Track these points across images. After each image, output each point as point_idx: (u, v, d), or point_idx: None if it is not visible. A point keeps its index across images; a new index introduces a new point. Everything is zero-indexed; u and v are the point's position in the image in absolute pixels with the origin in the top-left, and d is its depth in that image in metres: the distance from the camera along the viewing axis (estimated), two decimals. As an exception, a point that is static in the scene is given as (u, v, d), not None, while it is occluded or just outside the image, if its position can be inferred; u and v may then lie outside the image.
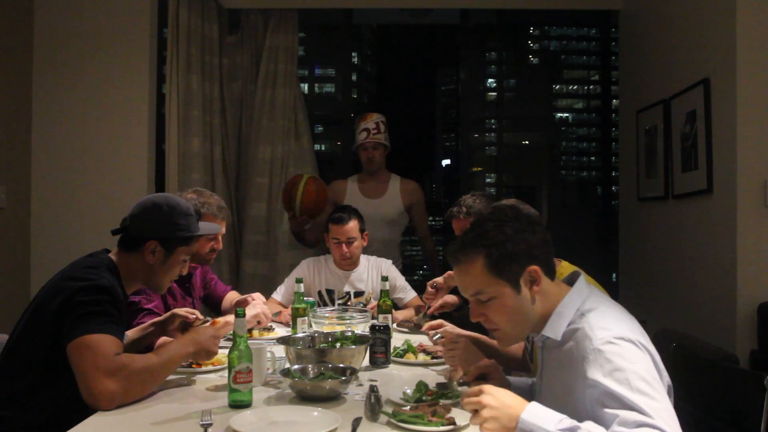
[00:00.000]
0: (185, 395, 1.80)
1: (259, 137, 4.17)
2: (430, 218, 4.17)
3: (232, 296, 2.89)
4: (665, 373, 1.40)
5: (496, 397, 1.34)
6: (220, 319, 2.47)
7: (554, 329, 1.46)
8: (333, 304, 3.16)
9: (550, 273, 1.50)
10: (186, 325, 2.08)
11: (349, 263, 3.18)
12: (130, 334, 2.11)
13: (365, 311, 2.74)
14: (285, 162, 4.20)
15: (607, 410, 1.27)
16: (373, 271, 3.24)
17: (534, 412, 1.30)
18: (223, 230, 2.62)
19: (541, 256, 1.48)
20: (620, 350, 1.31)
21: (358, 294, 3.20)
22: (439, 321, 2.44)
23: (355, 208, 3.25)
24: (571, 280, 1.55)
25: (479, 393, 1.35)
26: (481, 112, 4.98)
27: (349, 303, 3.15)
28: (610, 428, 1.25)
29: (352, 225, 3.09)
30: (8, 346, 1.82)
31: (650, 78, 3.83)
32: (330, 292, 3.21)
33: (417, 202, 3.85)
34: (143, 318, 2.26)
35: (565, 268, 2.00)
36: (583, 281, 1.53)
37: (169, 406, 1.69)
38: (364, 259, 3.27)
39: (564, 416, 1.29)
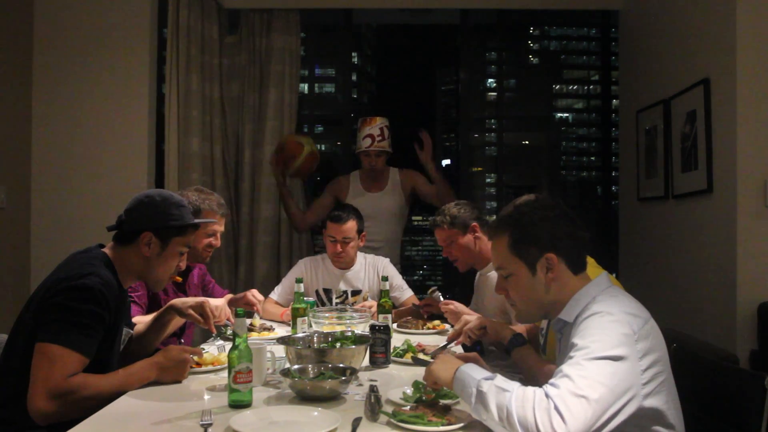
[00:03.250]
0: (185, 395, 1.80)
1: (266, 138, 4.17)
2: (427, 219, 4.17)
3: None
4: (654, 368, 1.41)
5: (446, 358, 1.59)
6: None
7: (569, 313, 1.55)
8: (331, 303, 3.16)
9: (575, 267, 1.58)
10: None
11: (342, 263, 3.17)
12: (141, 327, 2.10)
13: (364, 311, 2.74)
14: None
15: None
16: (371, 270, 3.24)
17: (472, 366, 1.47)
18: (222, 228, 2.62)
19: (565, 248, 1.56)
20: (601, 320, 1.40)
21: (356, 293, 3.19)
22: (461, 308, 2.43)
23: (356, 207, 3.25)
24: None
25: None
26: (481, 112, 4.97)
27: (346, 302, 3.15)
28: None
29: (350, 225, 3.08)
30: (7, 346, 1.82)
31: (650, 78, 3.83)
32: (327, 291, 3.21)
33: (419, 183, 3.89)
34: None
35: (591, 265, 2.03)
36: (606, 276, 1.63)
37: (169, 406, 1.69)
38: (361, 257, 3.25)
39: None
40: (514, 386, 1.34)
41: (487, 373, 1.43)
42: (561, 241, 1.56)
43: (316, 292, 3.20)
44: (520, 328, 2.26)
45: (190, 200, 2.48)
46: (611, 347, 1.34)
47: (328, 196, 3.94)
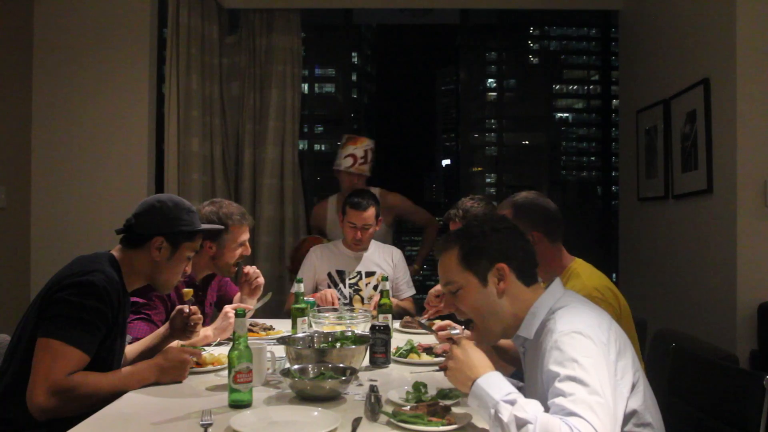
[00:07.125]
0: (185, 395, 1.80)
1: (268, 138, 4.17)
2: None
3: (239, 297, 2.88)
4: (629, 371, 1.42)
5: (466, 353, 1.46)
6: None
7: (528, 328, 1.53)
8: (344, 284, 3.22)
9: (526, 279, 1.56)
10: (185, 324, 2.08)
11: (359, 247, 3.23)
12: (147, 341, 2.09)
13: (366, 311, 2.75)
14: (294, 164, 4.20)
15: (549, 395, 1.33)
16: (385, 253, 3.31)
17: (490, 380, 1.39)
18: (248, 235, 2.59)
19: (516, 260, 1.55)
20: (574, 342, 1.36)
21: (369, 274, 3.25)
22: (447, 321, 2.46)
23: (372, 193, 3.27)
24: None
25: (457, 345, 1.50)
26: (481, 112, 4.97)
27: (359, 282, 3.21)
28: (549, 412, 1.29)
29: (370, 212, 3.14)
30: (11, 347, 1.82)
31: (650, 78, 3.83)
32: (341, 272, 3.26)
33: (402, 212, 3.86)
34: (132, 322, 2.19)
35: (578, 263, 2.08)
36: (558, 283, 1.60)
37: (169, 406, 1.69)
38: (374, 242, 3.31)
39: (515, 390, 1.35)
40: (536, 415, 1.27)
41: (505, 390, 1.35)
42: (512, 252, 1.55)
43: (329, 274, 3.23)
44: (507, 343, 2.25)
45: (214, 214, 2.46)
46: (597, 370, 1.31)
47: (314, 231, 3.90)
